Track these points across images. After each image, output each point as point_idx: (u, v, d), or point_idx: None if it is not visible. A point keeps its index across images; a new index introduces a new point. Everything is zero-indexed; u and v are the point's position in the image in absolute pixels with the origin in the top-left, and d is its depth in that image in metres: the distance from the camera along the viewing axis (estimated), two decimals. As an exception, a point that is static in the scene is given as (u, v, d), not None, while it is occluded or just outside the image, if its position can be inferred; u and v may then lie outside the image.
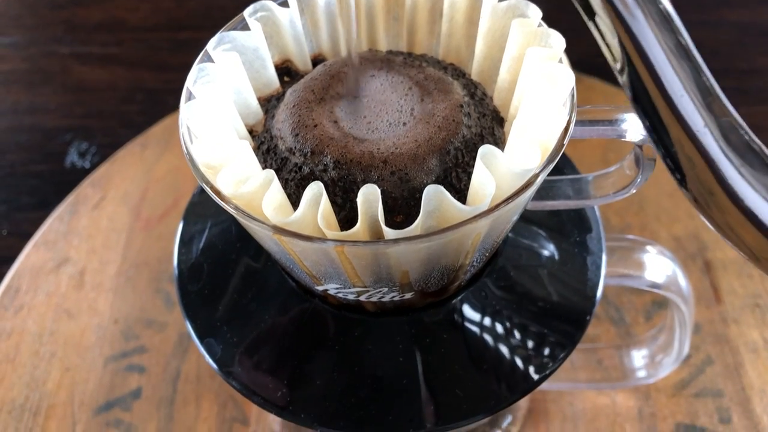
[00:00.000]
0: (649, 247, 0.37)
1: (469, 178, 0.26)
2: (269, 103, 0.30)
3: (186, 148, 0.26)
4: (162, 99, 0.66)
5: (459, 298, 0.31)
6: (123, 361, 0.49)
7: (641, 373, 0.43)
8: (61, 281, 0.53)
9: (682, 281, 0.37)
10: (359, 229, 0.23)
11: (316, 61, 0.32)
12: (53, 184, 0.60)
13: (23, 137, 0.64)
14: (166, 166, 0.59)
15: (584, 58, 0.68)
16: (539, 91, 0.25)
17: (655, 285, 0.35)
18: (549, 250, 0.33)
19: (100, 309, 0.51)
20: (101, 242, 0.55)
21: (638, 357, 0.44)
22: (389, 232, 0.23)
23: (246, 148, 0.25)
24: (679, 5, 0.71)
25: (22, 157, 0.63)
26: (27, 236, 0.55)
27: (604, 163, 0.56)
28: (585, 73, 0.63)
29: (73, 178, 0.59)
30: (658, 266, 0.36)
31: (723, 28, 0.69)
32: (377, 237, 0.24)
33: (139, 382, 0.47)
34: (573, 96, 0.26)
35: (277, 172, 0.27)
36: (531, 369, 0.30)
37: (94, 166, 0.61)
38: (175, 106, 0.63)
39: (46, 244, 0.55)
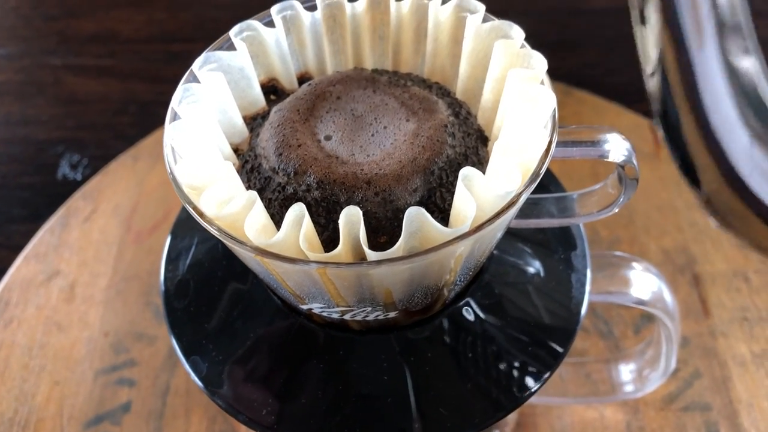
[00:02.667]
0: (634, 264, 0.37)
1: (453, 198, 0.26)
2: (254, 122, 0.30)
3: (170, 168, 0.26)
4: (155, 111, 0.67)
5: (444, 315, 0.31)
6: (113, 374, 0.49)
7: (629, 388, 0.44)
8: (52, 294, 0.53)
9: (668, 297, 0.37)
10: (341, 250, 0.23)
11: (302, 79, 0.32)
12: (45, 197, 0.61)
13: (15, 149, 0.64)
14: (158, 179, 0.59)
15: (575, 71, 0.69)
16: (520, 113, 0.25)
17: (640, 302, 0.35)
18: (534, 266, 0.33)
19: (90, 322, 0.51)
20: (92, 255, 0.55)
21: (626, 371, 0.44)
22: (371, 254, 0.23)
23: (230, 169, 0.25)
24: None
25: (13, 168, 0.63)
26: (18, 249, 0.55)
27: (593, 176, 0.56)
28: (576, 87, 0.64)
29: (65, 191, 0.59)
30: (643, 283, 0.36)
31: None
32: (360, 258, 0.24)
33: (129, 396, 0.47)
34: (554, 117, 0.26)
35: (261, 191, 0.27)
36: (516, 386, 0.30)
37: (85, 178, 0.61)
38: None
39: (36, 257, 0.55)
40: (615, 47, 0.70)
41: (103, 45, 0.73)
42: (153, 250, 0.55)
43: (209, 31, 0.75)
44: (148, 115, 0.66)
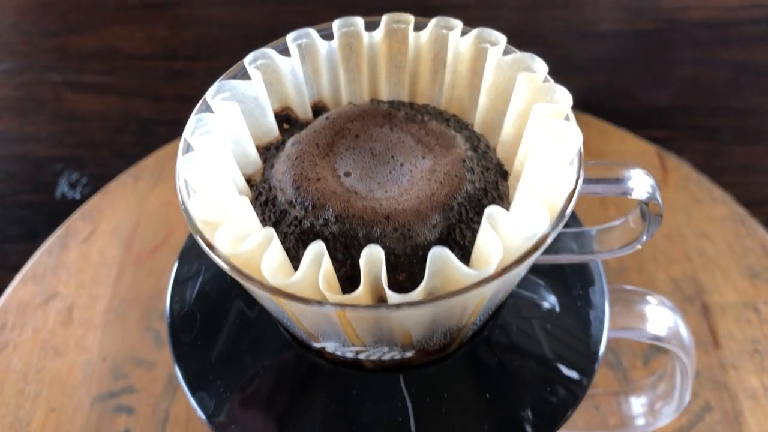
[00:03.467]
0: (649, 298, 0.36)
1: (474, 235, 0.26)
2: (268, 152, 0.30)
3: (183, 202, 0.25)
4: (156, 129, 0.66)
5: (461, 353, 0.30)
6: (111, 401, 0.47)
7: (640, 421, 0.43)
8: (49, 317, 0.51)
9: (684, 332, 0.36)
10: (361, 292, 0.22)
11: (316, 108, 0.32)
12: (43, 215, 0.60)
13: (13, 166, 0.63)
14: (159, 199, 0.58)
15: (580, 95, 0.68)
16: (546, 150, 0.24)
17: (657, 338, 0.35)
18: (552, 303, 0.32)
19: (88, 346, 0.50)
20: (91, 277, 0.53)
21: (637, 404, 0.43)
22: (393, 296, 0.22)
23: (245, 204, 0.24)
24: (675, 42, 0.71)
25: (11, 186, 0.62)
26: (14, 269, 0.54)
27: (601, 205, 0.55)
28: (580, 110, 0.63)
29: (64, 209, 0.58)
30: (659, 318, 0.35)
31: (719, 67, 0.70)
32: (379, 298, 0.24)
33: (127, 424, 0.46)
34: (580, 154, 0.25)
35: (276, 225, 0.26)
36: (533, 427, 0.29)
37: (84, 197, 0.60)
38: (168, 137, 0.62)
39: (34, 278, 0.53)
40: (620, 71, 0.70)
41: (104, 62, 0.72)
42: (154, 273, 0.53)
43: (211, 49, 0.75)
44: (149, 134, 0.65)
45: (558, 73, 0.28)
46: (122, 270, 0.54)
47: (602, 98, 0.67)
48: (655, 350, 0.49)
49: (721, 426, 0.45)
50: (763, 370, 0.47)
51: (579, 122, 0.56)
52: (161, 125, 0.66)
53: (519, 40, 0.28)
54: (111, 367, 0.49)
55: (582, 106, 0.63)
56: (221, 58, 0.70)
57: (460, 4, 0.77)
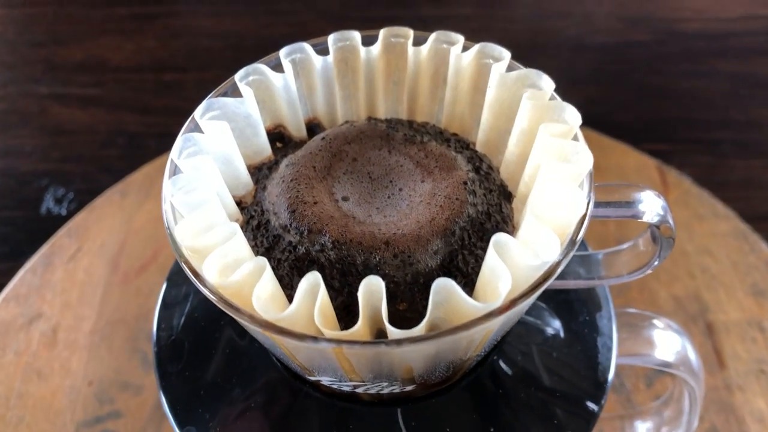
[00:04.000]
0: (656, 321, 0.35)
1: (477, 261, 0.24)
2: (260, 172, 0.28)
3: (168, 227, 0.24)
4: (144, 143, 0.64)
5: (462, 385, 0.28)
6: (96, 426, 0.46)
7: (646, 447, 0.41)
8: (32, 339, 0.50)
9: (692, 356, 0.35)
10: (360, 327, 0.21)
11: (311, 126, 0.30)
12: (27, 232, 0.58)
13: (-4, 181, 0.61)
14: (146, 216, 0.56)
15: (579, 108, 0.67)
16: (554, 172, 0.23)
17: (665, 364, 0.33)
18: (557, 329, 0.31)
19: (73, 369, 0.48)
20: (76, 297, 0.52)
21: (642, 429, 0.42)
22: (394, 332, 0.21)
23: (235, 230, 0.22)
24: (672, 54, 0.69)
25: (-6, 202, 0.60)
26: (-3, 289, 0.52)
27: (601, 221, 0.54)
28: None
29: (49, 226, 0.56)
30: (667, 343, 0.34)
31: (718, 79, 0.69)
32: (379, 330, 0.22)
33: (113, 451, 0.44)
34: (591, 177, 0.24)
35: (268, 250, 0.25)
36: (538, 461, 0.28)
37: (70, 213, 0.58)
38: (157, 151, 0.61)
39: (17, 298, 0.52)
40: (618, 84, 0.69)
41: (91, 74, 0.70)
42: (141, 292, 0.52)
43: (201, 61, 0.73)
44: (137, 148, 0.64)
45: (556, 86, 0.27)
46: (108, 289, 0.52)
47: (601, 111, 0.66)
48: (659, 372, 0.47)
49: (728, 450, 0.44)
50: (769, 391, 0.46)
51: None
52: (150, 138, 0.64)
53: (517, 53, 0.27)
54: (96, 391, 0.47)
55: (582, 120, 0.63)
56: (211, 69, 0.68)
57: (457, 16, 0.76)
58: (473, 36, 0.28)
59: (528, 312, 0.31)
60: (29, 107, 0.68)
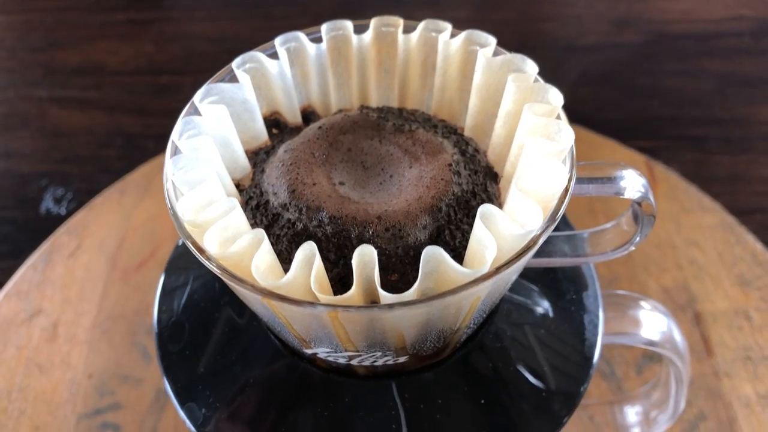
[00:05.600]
0: (642, 303, 0.36)
1: (464, 236, 0.25)
2: (257, 156, 0.29)
3: (171, 205, 0.25)
4: (142, 144, 0.65)
5: (454, 359, 0.29)
6: (96, 418, 0.46)
7: (635, 430, 0.42)
8: (33, 334, 0.50)
9: (678, 337, 0.36)
10: (354, 293, 0.22)
11: (305, 113, 0.31)
12: (27, 232, 0.59)
13: (-3, 182, 0.62)
14: (145, 214, 0.57)
15: (568, 106, 0.68)
16: (538, 149, 0.24)
17: (651, 343, 0.34)
18: (546, 308, 0.32)
19: (73, 363, 0.49)
20: (76, 292, 0.53)
21: (632, 413, 0.43)
22: (386, 296, 0.22)
23: (234, 205, 0.23)
24: (660, 54, 0.71)
25: (-5, 203, 0.61)
26: (-2, 286, 0.53)
27: (590, 212, 0.55)
28: (570, 122, 0.63)
29: (49, 225, 0.57)
30: (653, 323, 0.35)
31: (705, 78, 0.70)
32: (372, 299, 0.23)
33: (113, 442, 0.45)
34: (573, 153, 0.25)
35: (268, 228, 0.26)
36: (529, 433, 0.29)
37: (70, 212, 0.59)
38: (155, 151, 0.62)
39: (18, 295, 0.53)
40: (607, 84, 0.71)
41: (89, 77, 0.72)
42: (140, 288, 0.53)
43: (198, 64, 0.75)
44: (135, 148, 0.65)
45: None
46: (108, 285, 0.53)
47: (590, 109, 0.67)
48: (648, 359, 0.48)
49: (716, 434, 0.45)
50: (756, 377, 0.47)
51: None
52: (147, 140, 0.65)
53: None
54: (96, 383, 0.48)
55: (570, 117, 0.64)
56: (208, 72, 0.69)
57: (450, 19, 0.77)
58: None
59: (517, 292, 0.32)
60: (29, 110, 0.69)
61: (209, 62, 0.79)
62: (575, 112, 0.67)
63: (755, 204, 0.60)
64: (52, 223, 0.57)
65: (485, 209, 0.22)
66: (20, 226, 0.59)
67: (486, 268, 0.22)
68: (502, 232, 0.22)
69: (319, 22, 0.30)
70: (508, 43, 0.75)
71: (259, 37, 0.74)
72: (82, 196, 0.60)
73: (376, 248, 0.24)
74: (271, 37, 0.31)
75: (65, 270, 0.54)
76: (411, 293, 0.22)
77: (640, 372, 0.48)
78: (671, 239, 0.55)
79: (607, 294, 0.36)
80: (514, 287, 0.32)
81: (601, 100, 0.69)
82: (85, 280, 0.53)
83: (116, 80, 0.71)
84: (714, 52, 0.72)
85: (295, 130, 0.30)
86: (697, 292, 0.52)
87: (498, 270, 0.22)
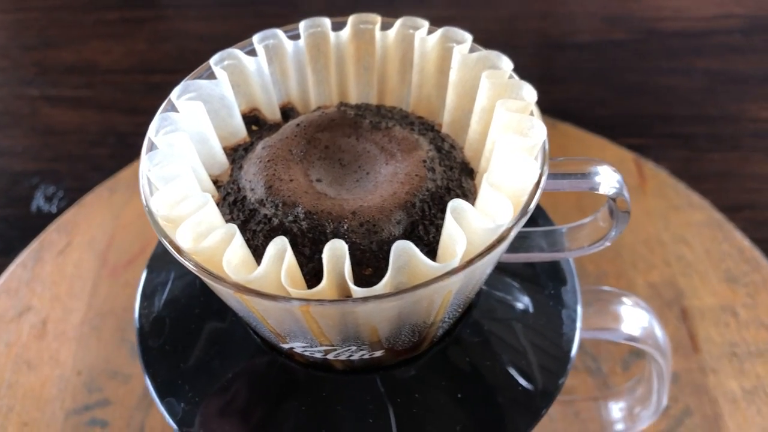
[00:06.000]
0: (624, 299, 0.36)
1: (438, 230, 0.25)
2: (236, 153, 0.29)
3: (145, 200, 0.25)
4: (133, 143, 0.65)
5: (432, 353, 0.30)
6: (85, 414, 0.47)
7: (619, 426, 0.42)
8: (23, 330, 0.51)
9: (659, 333, 0.36)
10: (325, 286, 0.22)
11: (285, 109, 0.32)
12: (18, 230, 0.59)
13: (-12, 180, 0.63)
14: (135, 211, 0.57)
15: (559, 104, 0.69)
16: (510, 144, 0.24)
17: (631, 338, 0.34)
18: (524, 302, 0.32)
19: (62, 360, 0.49)
20: (65, 290, 0.53)
21: (616, 409, 0.43)
22: (357, 291, 0.22)
23: (208, 201, 0.24)
24: (651, 52, 0.71)
25: (-14, 201, 0.61)
26: (-12, 283, 0.53)
27: (579, 210, 0.55)
28: (560, 120, 0.63)
29: (39, 223, 0.57)
30: (634, 318, 0.35)
31: (695, 75, 0.70)
32: (344, 294, 0.23)
33: (101, 438, 0.45)
34: (545, 148, 0.25)
35: (245, 223, 0.26)
36: (508, 428, 0.29)
37: (61, 210, 0.59)
38: (146, 150, 0.62)
39: (7, 292, 0.53)
40: (596, 81, 0.71)
41: (82, 76, 0.72)
42: (129, 285, 0.53)
43: (190, 63, 0.74)
44: (126, 147, 0.65)
45: (536, 83, 0.28)
46: (97, 282, 0.53)
47: (580, 107, 0.68)
48: (635, 356, 0.48)
49: (701, 430, 0.45)
50: (741, 373, 0.47)
51: (558, 131, 0.57)
52: (139, 138, 0.64)
53: (500, 52, 0.28)
54: (85, 380, 0.48)
55: (560, 115, 0.64)
56: (200, 71, 0.70)
57: (436, 17, 0.77)
58: None
59: (495, 286, 0.32)
60: (21, 109, 0.69)
61: (201, 61, 0.79)
62: (565, 110, 0.68)
63: (744, 201, 0.60)
64: (43, 220, 0.58)
65: (455, 204, 0.23)
66: (11, 223, 0.59)
67: (456, 262, 0.22)
68: (472, 227, 0.22)
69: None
70: (499, 40, 0.75)
71: (250, 35, 0.74)
72: (73, 194, 0.61)
73: (350, 243, 0.24)
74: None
75: (55, 267, 0.54)
76: (381, 287, 0.22)
77: (627, 368, 0.48)
78: (659, 236, 0.55)
79: (589, 290, 0.36)
80: (492, 282, 0.32)
81: (591, 98, 0.69)
82: (74, 278, 0.54)
83: (108, 79, 0.72)
84: (705, 49, 0.72)
85: (275, 127, 0.31)
86: (684, 289, 0.52)
87: (468, 263, 0.22)
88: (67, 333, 0.50)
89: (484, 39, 0.30)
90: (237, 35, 0.78)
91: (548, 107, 0.66)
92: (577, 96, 0.69)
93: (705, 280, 0.52)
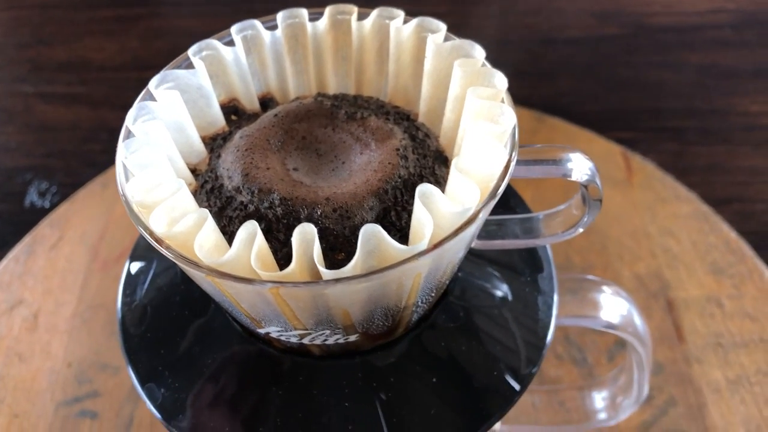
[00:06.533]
0: (604, 287, 0.36)
1: (410, 216, 0.26)
2: (214, 142, 0.30)
3: (120, 186, 0.25)
4: (125, 138, 0.66)
5: (408, 338, 0.30)
6: (75, 406, 0.47)
7: (602, 415, 0.43)
8: (14, 323, 0.51)
9: (638, 321, 0.36)
10: (294, 269, 0.23)
11: (264, 100, 0.32)
12: (11, 225, 0.59)
13: (-18, 177, 0.63)
14: (127, 206, 0.58)
15: (548, 99, 0.69)
16: (479, 130, 0.25)
17: (610, 326, 0.35)
18: (500, 289, 0.33)
19: (53, 352, 0.50)
20: (57, 283, 0.53)
21: (599, 398, 0.43)
22: (326, 273, 0.22)
23: (181, 186, 0.24)
24: (641, 47, 0.72)
25: (-21, 196, 0.62)
26: (-19, 277, 0.54)
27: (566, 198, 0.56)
28: (548, 114, 0.64)
29: (32, 218, 0.58)
30: (613, 306, 0.35)
31: (685, 70, 0.71)
32: (315, 277, 0.24)
33: (91, 429, 0.46)
34: (515, 135, 0.26)
35: (221, 210, 0.26)
36: (484, 410, 0.30)
37: (54, 205, 0.60)
38: (138, 146, 0.62)
39: (0, 286, 0.53)
40: (587, 76, 0.71)
41: (75, 73, 0.72)
42: (119, 279, 0.53)
43: (183, 60, 0.75)
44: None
45: (526, 78, 0.28)
46: (89, 276, 0.54)
47: (570, 102, 0.68)
48: (620, 346, 0.49)
49: (685, 420, 0.45)
50: (726, 363, 0.48)
51: (545, 125, 0.57)
52: (131, 134, 0.66)
53: (487, 47, 0.28)
54: (75, 372, 0.49)
55: (550, 109, 0.65)
56: (192, 67, 0.70)
57: (433, 13, 0.77)
58: (449, 31, 0.30)
59: (471, 272, 0.32)
60: (15, 105, 0.70)
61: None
62: (555, 105, 0.68)
63: (732, 193, 0.60)
64: (37, 216, 0.58)
65: (423, 189, 0.23)
66: (5, 219, 0.60)
67: (424, 245, 0.23)
68: (441, 211, 0.23)
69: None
70: (491, 35, 0.76)
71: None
72: (66, 190, 0.61)
73: (324, 228, 0.25)
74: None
75: (47, 261, 0.55)
76: (350, 269, 0.22)
77: (612, 359, 0.49)
78: (646, 228, 0.55)
79: (571, 278, 0.36)
80: (469, 268, 0.32)
81: (582, 93, 0.69)
82: (66, 271, 0.54)
83: (101, 76, 0.72)
84: (695, 44, 0.73)
85: (254, 117, 0.31)
86: (670, 280, 0.52)
87: (436, 246, 0.23)
88: (59, 326, 0.51)
89: (475, 34, 0.30)
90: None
91: (536, 101, 0.67)
92: (567, 91, 0.70)
93: (691, 271, 0.53)
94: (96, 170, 0.61)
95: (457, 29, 0.30)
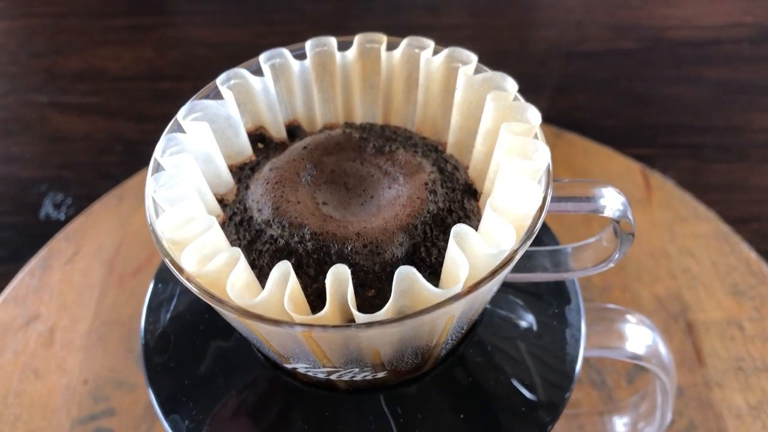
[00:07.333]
0: (628, 317, 0.36)
1: (440, 252, 0.26)
2: (242, 172, 0.30)
3: (150, 221, 0.25)
4: (141, 150, 0.66)
5: (434, 373, 0.30)
6: (91, 424, 0.47)
7: (623, 441, 0.42)
8: (30, 339, 0.51)
9: (663, 350, 0.36)
10: (328, 311, 0.22)
11: (291, 127, 0.32)
12: (26, 237, 0.59)
13: (-3, 187, 0.63)
14: (142, 220, 0.57)
15: (565, 114, 0.69)
16: (513, 167, 0.24)
17: (636, 357, 0.34)
18: (527, 321, 0.32)
19: (69, 368, 0.50)
20: (73, 298, 0.53)
21: (620, 424, 0.43)
22: (359, 316, 0.22)
23: (213, 224, 0.24)
24: (658, 61, 0.71)
25: (-6, 208, 0.62)
26: (-4, 291, 0.54)
27: (585, 223, 0.55)
28: (565, 129, 0.63)
29: (47, 230, 0.58)
30: (638, 337, 0.35)
31: (703, 85, 0.70)
32: (347, 318, 0.23)
33: (107, 447, 0.46)
34: (549, 172, 0.25)
35: (251, 243, 0.26)
36: (509, 447, 0.29)
37: (69, 218, 0.60)
38: (153, 158, 0.62)
39: (15, 300, 0.53)
40: (605, 90, 0.71)
41: (90, 83, 0.72)
42: (136, 294, 0.53)
43: (197, 70, 0.75)
44: (134, 154, 0.65)
45: (543, 92, 0.28)
46: (105, 291, 0.53)
47: (587, 117, 0.68)
48: (639, 369, 0.48)
49: (706, 445, 0.45)
50: (747, 387, 0.47)
51: (563, 141, 0.57)
52: (146, 146, 0.65)
53: (504, 60, 0.28)
54: (91, 389, 0.48)
55: (566, 124, 0.64)
56: (207, 78, 0.70)
57: (450, 25, 0.77)
58: (466, 44, 0.30)
59: (498, 305, 0.32)
60: (30, 115, 0.69)
61: (209, 68, 0.79)
62: (572, 119, 0.67)
63: (751, 212, 0.59)
64: (51, 228, 0.58)
65: (458, 229, 0.23)
66: (20, 231, 0.60)
67: (459, 288, 0.22)
68: (476, 251, 0.23)
69: (319, 29, 0.30)
70: (507, 49, 0.75)
71: (258, 43, 0.75)
72: (81, 202, 0.61)
73: (354, 264, 0.25)
74: (271, 43, 0.31)
75: (62, 276, 0.54)
76: (384, 312, 0.22)
77: (631, 381, 0.48)
78: (665, 248, 0.55)
79: (594, 308, 0.36)
80: (497, 300, 0.32)
81: (598, 107, 0.69)
82: (82, 286, 0.54)
83: (116, 86, 0.72)
84: (712, 59, 0.72)
85: (280, 145, 0.31)
86: (690, 302, 0.52)
87: (470, 290, 0.22)
88: (74, 342, 0.51)
89: (493, 48, 0.30)
90: (245, 42, 0.79)
91: (554, 116, 0.66)
92: (584, 105, 0.69)
93: (711, 293, 0.52)
94: (111, 182, 0.61)
95: (474, 41, 0.30)
